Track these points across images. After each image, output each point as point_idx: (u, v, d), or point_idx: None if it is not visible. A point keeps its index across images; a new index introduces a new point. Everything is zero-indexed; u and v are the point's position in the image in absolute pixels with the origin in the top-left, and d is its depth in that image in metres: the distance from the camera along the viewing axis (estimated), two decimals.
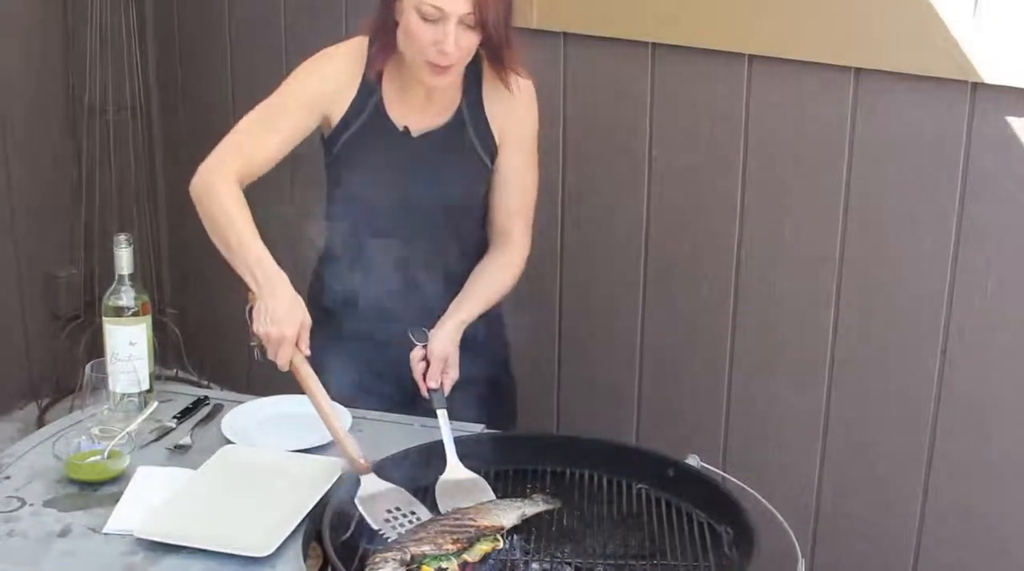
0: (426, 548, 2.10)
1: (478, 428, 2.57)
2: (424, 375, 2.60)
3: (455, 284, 2.74)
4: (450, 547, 2.11)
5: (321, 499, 2.21)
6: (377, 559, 2.07)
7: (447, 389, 2.56)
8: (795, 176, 3.11)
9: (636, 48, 3.30)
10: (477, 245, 2.82)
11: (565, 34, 3.43)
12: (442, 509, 2.27)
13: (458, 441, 2.42)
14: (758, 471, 2.73)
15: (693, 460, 2.32)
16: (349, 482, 2.26)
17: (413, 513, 2.23)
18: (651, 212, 3.39)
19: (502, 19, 2.56)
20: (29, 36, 4.58)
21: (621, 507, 2.29)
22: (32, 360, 4.79)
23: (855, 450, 3.16)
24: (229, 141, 2.66)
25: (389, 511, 2.22)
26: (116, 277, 2.56)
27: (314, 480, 2.28)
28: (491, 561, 2.17)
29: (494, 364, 2.93)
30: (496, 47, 2.62)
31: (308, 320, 2.45)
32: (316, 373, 2.45)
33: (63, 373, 4.61)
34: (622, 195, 3.43)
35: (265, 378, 2.91)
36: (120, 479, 2.32)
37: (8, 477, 2.34)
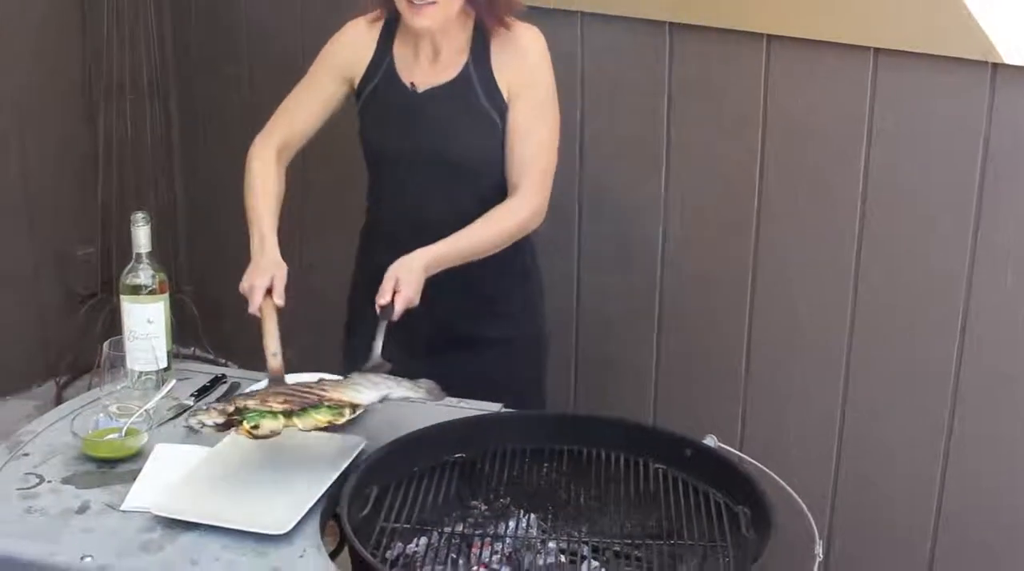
0: (251, 403, 2.16)
1: (496, 407, 2.57)
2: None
3: None
4: (276, 406, 2.16)
5: (339, 477, 2.21)
6: (201, 407, 2.18)
7: (398, 309, 2.56)
8: (814, 157, 3.10)
9: (654, 27, 3.29)
10: (500, 199, 2.82)
11: (582, 13, 3.42)
12: None
13: (474, 420, 2.44)
14: (775, 452, 2.73)
15: (711, 440, 2.32)
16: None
17: None
18: (669, 193, 3.38)
19: None
20: (46, 16, 4.58)
21: (638, 487, 2.29)
22: (50, 338, 4.80)
23: (873, 432, 3.15)
24: (276, 113, 2.91)
25: None
26: (133, 255, 2.57)
27: (332, 458, 2.29)
28: (508, 539, 2.18)
29: (522, 324, 3.00)
30: None
31: (282, 276, 2.59)
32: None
33: (81, 351, 4.62)
34: (640, 176, 3.42)
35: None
36: (138, 457, 2.33)
37: (27, 454, 2.35)
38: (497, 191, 2.81)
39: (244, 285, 2.58)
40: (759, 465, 2.30)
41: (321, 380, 2.32)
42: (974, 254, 2.89)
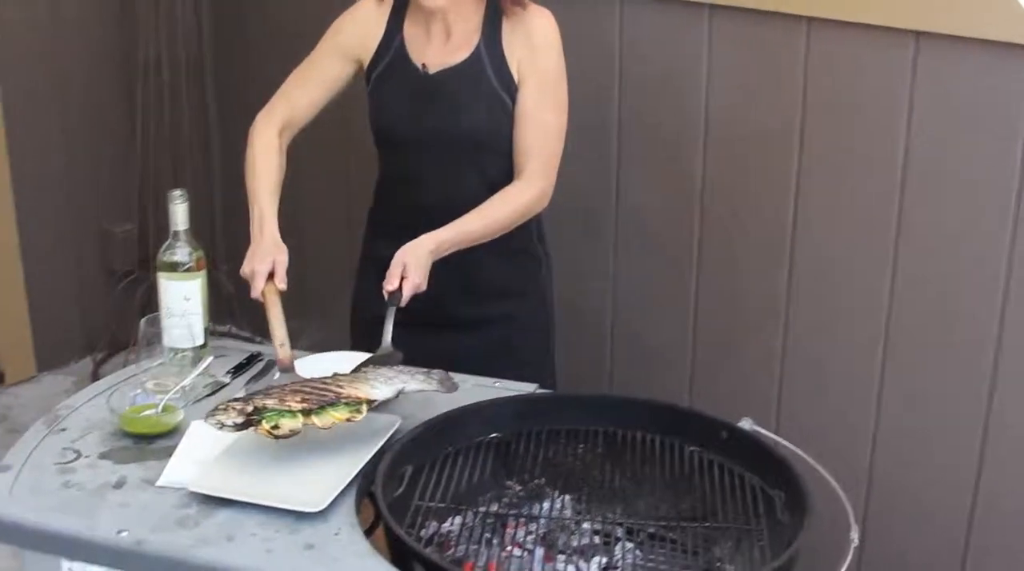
0: (270, 402, 2.16)
1: (531, 387, 2.56)
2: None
3: None
4: (294, 405, 2.16)
5: (374, 456, 2.21)
6: (220, 406, 2.16)
7: (406, 295, 2.56)
8: (854, 139, 3.08)
9: (693, 9, 3.27)
10: (506, 180, 2.82)
11: None
12: None
13: (510, 401, 2.44)
14: (811, 436, 2.72)
15: (746, 423, 2.31)
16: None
17: None
18: (707, 174, 3.37)
19: None
20: None
21: (673, 469, 2.29)
22: (87, 315, 4.82)
23: (910, 416, 3.14)
24: (279, 91, 2.89)
25: None
26: (171, 233, 2.57)
27: (367, 437, 2.29)
28: (542, 520, 2.18)
29: (530, 307, 3.00)
30: None
31: (283, 258, 2.59)
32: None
33: (117, 328, 4.64)
34: (677, 157, 3.41)
35: (318, 335, 2.93)
36: (174, 433, 2.34)
37: (64, 429, 2.37)
38: (505, 174, 2.81)
39: (245, 270, 2.58)
40: (795, 449, 2.30)
41: (335, 375, 2.31)
42: (1014, 238, 2.87)
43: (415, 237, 2.66)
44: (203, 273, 2.59)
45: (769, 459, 2.22)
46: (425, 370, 2.36)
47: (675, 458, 2.31)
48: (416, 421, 2.32)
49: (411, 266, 2.57)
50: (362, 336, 2.90)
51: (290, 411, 2.15)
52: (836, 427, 3.24)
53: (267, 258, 2.57)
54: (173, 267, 2.56)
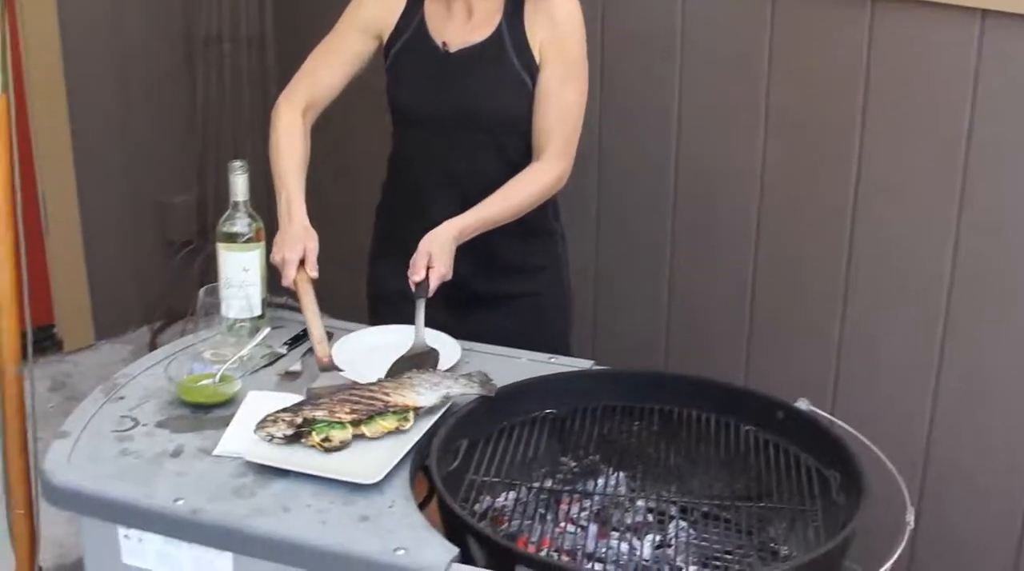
0: (319, 413, 2.15)
1: (587, 364, 2.56)
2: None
3: None
4: (344, 416, 2.16)
5: (429, 430, 2.22)
6: (269, 418, 2.15)
7: (433, 284, 2.56)
8: (916, 119, 3.06)
9: None
10: (524, 159, 2.81)
11: None
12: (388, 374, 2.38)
13: (566, 377, 2.44)
14: (867, 417, 2.70)
15: (803, 404, 2.30)
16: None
17: None
18: (767, 152, 3.35)
19: None
20: None
21: (728, 448, 2.28)
22: (145, 284, 4.86)
23: (967, 398, 3.12)
24: (300, 71, 2.89)
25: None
26: (231, 203, 2.57)
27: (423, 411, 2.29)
28: (596, 497, 2.18)
29: (547, 282, 2.98)
30: None
31: (314, 245, 2.59)
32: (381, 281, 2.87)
33: (175, 298, 4.67)
34: (739, 134, 3.39)
35: (381, 307, 2.93)
36: (231, 403, 2.35)
37: (122, 397, 2.38)
38: (522, 153, 2.80)
39: (275, 258, 2.59)
40: (851, 429, 2.28)
41: (380, 382, 2.31)
42: None
43: (430, 216, 2.67)
44: (262, 244, 2.60)
45: (825, 440, 2.21)
46: (467, 373, 2.36)
47: (730, 437, 2.30)
48: (472, 396, 2.32)
49: (436, 255, 2.58)
50: (381, 313, 2.91)
51: (340, 422, 2.16)
52: (893, 408, 3.22)
53: (297, 245, 2.58)
54: (232, 238, 2.57)
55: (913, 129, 3.07)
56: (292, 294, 2.57)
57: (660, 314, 3.68)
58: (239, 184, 2.56)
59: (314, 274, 2.57)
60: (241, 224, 2.57)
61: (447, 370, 2.46)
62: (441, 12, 2.78)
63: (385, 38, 2.82)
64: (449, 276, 2.59)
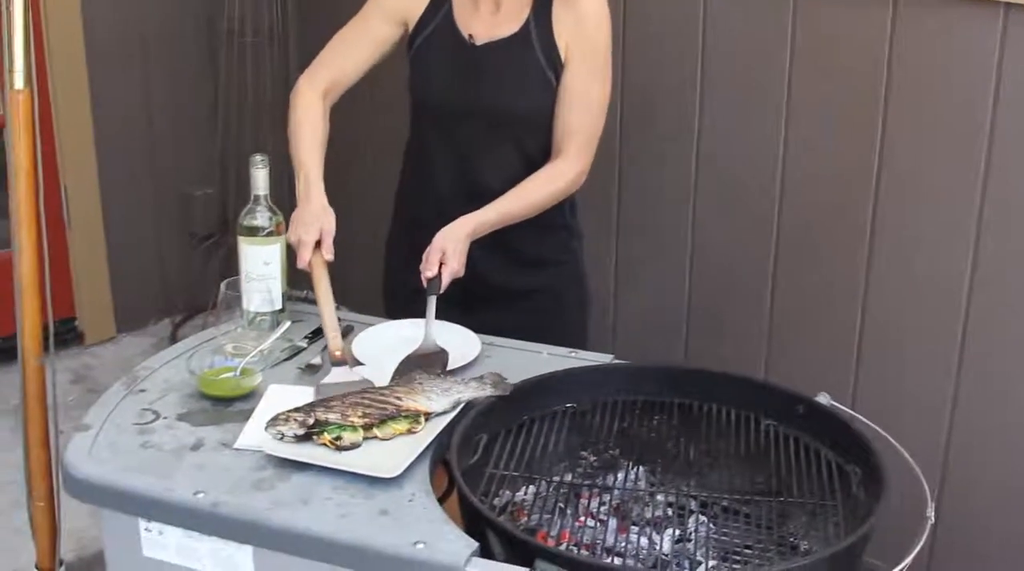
0: (332, 416, 2.15)
1: (607, 358, 2.56)
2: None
3: None
4: (356, 420, 2.15)
5: (450, 422, 2.22)
6: (281, 416, 2.15)
7: (445, 281, 2.57)
8: (939, 113, 3.05)
9: None
10: (543, 155, 2.81)
11: None
12: (396, 374, 2.38)
13: (585, 371, 2.44)
14: (888, 412, 2.69)
15: (823, 398, 2.29)
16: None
17: None
18: (788, 146, 3.34)
19: None
20: None
21: (748, 443, 2.27)
22: (166, 277, 4.88)
23: (988, 394, 3.11)
24: (322, 53, 2.87)
25: None
26: (252, 197, 2.58)
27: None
28: (616, 491, 2.18)
29: (563, 276, 2.98)
30: None
31: (331, 227, 2.59)
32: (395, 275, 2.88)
33: (196, 290, 4.69)
34: (760, 129, 3.39)
35: (396, 301, 2.94)
36: (252, 396, 2.35)
37: (143, 390, 2.39)
38: (541, 149, 2.80)
39: (291, 237, 2.58)
40: (871, 424, 2.28)
41: (392, 386, 2.30)
42: None
43: (445, 209, 2.68)
44: (282, 238, 2.60)
45: (845, 434, 2.20)
46: (479, 376, 2.36)
47: (750, 432, 2.29)
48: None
49: (450, 252, 2.58)
50: (396, 303, 2.91)
51: (352, 426, 2.16)
52: (913, 403, 3.21)
53: (314, 226, 2.57)
54: (253, 231, 2.57)
55: (935, 124, 3.06)
56: (312, 287, 2.57)
57: (680, 308, 3.68)
58: (260, 178, 2.56)
59: (329, 257, 2.57)
60: (262, 218, 2.57)
61: (467, 365, 2.46)
62: (468, 4, 2.77)
63: (411, 26, 2.81)
64: (461, 273, 2.60)
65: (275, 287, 2.58)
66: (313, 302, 2.61)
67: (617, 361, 2.56)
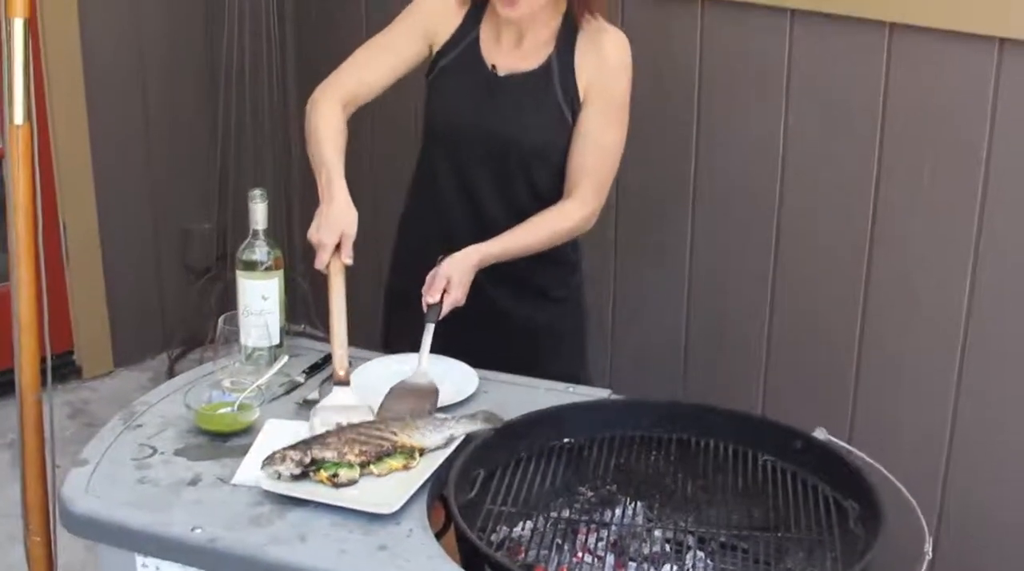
0: (328, 454, 2.15)
1: (604, 393, 2.56)
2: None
3: None
4: (353, 458, 2.16)
5: (447, 458, 2.22)
6: (277, 455, 2.14)
7: (444, 310, 2.58)
8: (933, 144, 3.06)
9: (775, 14, 3.25)
10: (551, 193, 2.82)
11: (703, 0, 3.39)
12: (383, 406, 2.40)
13: (583, 406, 2.44)
14: (885, 446, 2.70)
15: (820, 433, 2.29)
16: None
17: None
18: (784, 180, 3.35)
19: None
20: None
21: (746, 478, 2.27)
22: (165, 311, 4.88)
23: (986, 429, 3.11)
24: (344, 64, 2.84)
25: (339, 425, 2.28)
26: (250, 232, 2.58)
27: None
28: (613, 527, 2.18)
29: (565, 313, 3.00)
30: None
31: (351, 231, 2.54)
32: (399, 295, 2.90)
33: (194, 325, 4.68)
34: (755, 158, 3.39)
35: (393, 335, 2.94)
36: (249, 431, 2.36)
37: (140, 425, 2.39)
38: (550, 185, 2.82)
39: (312, 237, 2.55)
40: (868, 459, 2.28)
41: (386, 421, 2.30)
42: None
43: (451, 237, 2.69)
44: (281, 272, 2.60)
45: (843, 470, 2.20)
46: (471, 414, 2.36)
47: (748, 467, 2.29)
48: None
49: (455, 282, 2.60)
50: (397, 332, 2.92)
51: (349, 463, 2.16)
52: (910, 438, 3.21)
53: (335, 229, 2.53)
54: (252, 266, 2.57)
55: (931, 155, 3.07)
56: (310, 322, 2.57)
57: (677, 342, 3.68)
58: (258, 212, 2.57)
59: (348, 262, 2.53)
60: (260, 252, 2.57)
61: (464, 400, 2.46)
62: (492, 35, 2.79)
63: (435, 49, 2.82)
64: (462, 303, 2.61)
65: (273, 322, 2.58)
66: (311, 336, 2.61)
67: (614, 396, 2.56)
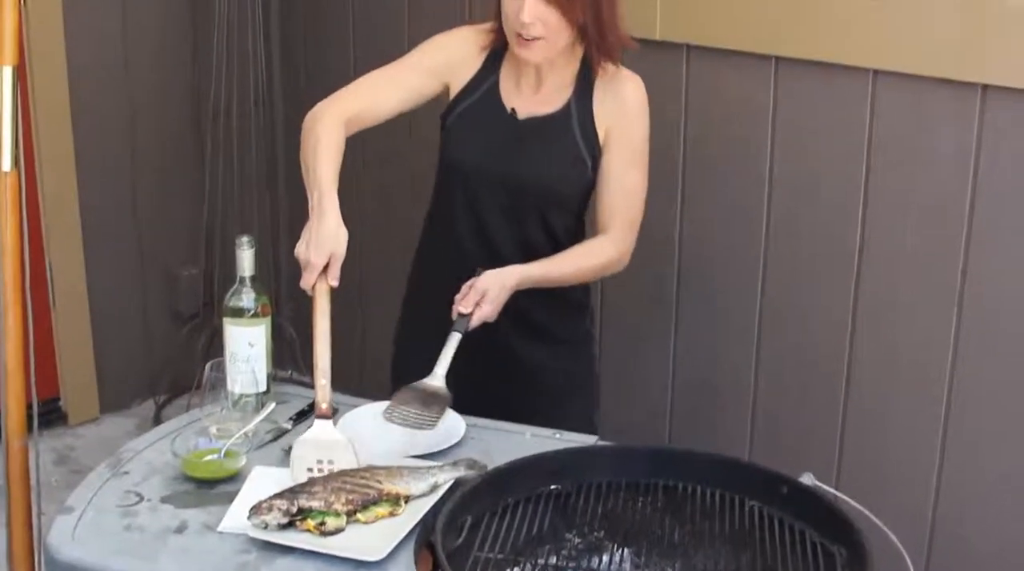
0: (315, 504, 2.15)
1: (591, 439, 2.56)
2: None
3: None
4: (340, 507, 2.15)
5: (434, 505, 2.21)
6: (264, 504, 2.14)
7: (474, 323, 2.59)
8: (918, 191, 3.08)
9: (758, 61, 3.28)
10: (566, 235, 2.84)
11: (688, 46, 3.41)
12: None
13: (569, 453, 2.44)
14: (873, 491, 2.70)
15: (807, 478, 2.29)
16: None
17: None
18: (771, 223, 3.36)
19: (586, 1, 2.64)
20: (158, 38, 4.66)
21: (733, 523, 2.27)
22: (151, 357, 4.87)
23: (973, 473, 3.11)
24: (351, 85, 2.83)
25: (319, 461, 2.29)
26: (237, 278, 2.58)
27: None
28: None
29: (578, 357, 3.00)
30: (584, 29, 2.69)
31: (341, 251, 2.48)
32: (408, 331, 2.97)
33: (181, 371, 4.68)
34: (741, 205, 3.41)
35: (380, 382, 2.94)
36: (236, 478, 2.35)
37: (127, 472, 2.38)
38: (566, 230, 2.84)
39: (300, 255, 2.49)
40: (856, 505, 2.28)
41: (370, 468, 2.29)
42: None
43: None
44: (268, 319, 2.60)
45: (830, 515, 2.20)
46: (454, 462, 2.36)
47: (735, 513, 2.29)
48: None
49: (489, 297, 2.60)
50: (404, 373, 2.91)
51: (335, 512, 2.16)
52: (898, 482, 3.21)
53: (324, 249, 2.47)
54: (239, 313, 2.57)
55: (916, 201, 3.09)
56: (297, 369, 2.57)
57: (664, 388, 3.68)
58: (245, 260, 2.57)
59: (334, 284, 2.48)
60: (247, 299, 2.57)
61: (451, 446, 2.46)
62: (511, 79, 2.81)
63: (453, 92, 2.83)
64: (492, 319, 2.62)
65: (260, 368, 2.58)
66: (298, 383, 2.61)
67: (601, 443, 2.56)
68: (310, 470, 2.30)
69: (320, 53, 4.64)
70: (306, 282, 2.48)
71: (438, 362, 2.55)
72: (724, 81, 3.39)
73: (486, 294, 2.60)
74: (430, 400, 2.48)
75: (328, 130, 2.67)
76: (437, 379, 2.54)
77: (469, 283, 2.64)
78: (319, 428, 2.38)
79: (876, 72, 3.08)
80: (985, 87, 2.91)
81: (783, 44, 3.22)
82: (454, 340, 2.57)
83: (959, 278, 3.03)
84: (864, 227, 3.18)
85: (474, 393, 2.64)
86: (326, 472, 2.28)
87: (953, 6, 2.91)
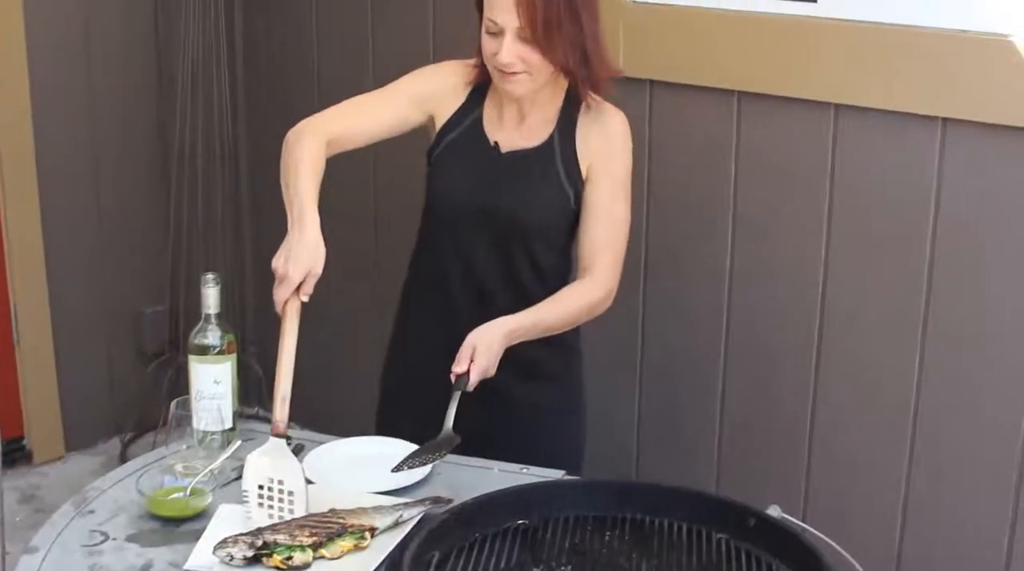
0: (280, 538, 2.16)
1: (558, 474, 2.56)
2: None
3: (525, 301, 2.77)
4: (305, 540, 2.15)
5: (401, 540, 2.21)
6: (230, 538, 2.15)
7: (474, 379, 2.58)
8: (881, 226, 3.09)
9: (721, 96, 3.30)
10: (552, 269, 2.84)
11: (651, 81, 3.43)
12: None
13: (537, 487, 2.43)
14: (840, 524, 2.70)
15: (774, 511, 2.29)
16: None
17: (290, 494, 2.28)
18: (735, 259, 3.38)
19: (564, 37, 2.64)
20: (124, 80, 4.66)
21: (701, 556, 2.27)
22: (116, 395, 4.84)
23: (939, 504, 3.12)
24: (336, 106, 2.85)
25: (271, 479, 2.29)
26: (203, 316, 2.58)
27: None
28: None
29: (566, 396, 2.99)
30: (564, 66, 2.69)
31: (318, 269, 2.46)
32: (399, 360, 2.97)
33: (146, 409, 4.66)
34: (705, 242, 3.42)
35: (347, 418, 2.93)
36: (202, 516, 2.34)
37: (92, 511, 2.37)
38: (551, 262, 2.84)
39: (278, 268, 2.45)
40: (823, 536, 2.28)
41: (332, 510, 2.29)
42: None
43: (452, 309, 2.72)
44: (233, 356, 2.60)
45: (797, 547, 2.20)
46: (420, 499, 2.36)
47: (703, 546, 2.29)
48: (442, 507, 2.31)
49: (480, 351, 2.59)
50: (389, 420, 2.91)
51: (301, 546, 2.16)
52: (864, 514, 3.22)
53: (302, 264, 2.43)
54: (204, 350, 2.57)
55: (878, 233, 3.10)
56: (263, 405, 2.56)
57: (631, 421, 3.68)
58: (211, 297, 2.57)
59: (305, 299, 2.45)
60: (213, 337, 2.57)
61: (417, 482, 2.46)
62: (495, 113, 2.82)
63: (438, 125, 2.83)
64: (491, 373, 2.61)
65: (226, 406, 2.57)
66: (264, 420, 2.60)
67: (568, 477, 2.56)
68: (261, 487, 2.29)
69: (284, 94, 4.64)
70: (280, 297, 2.44)
71: (445, 421, 2.55)
72: (687, 115, 3.41)
73: (476, 349, 2.60)
74: (442, 444, 2.50)
75: (311, 149, 2.67)
76: (446, 431, 2.54)
77: (462, 346, 2.62)
78: (272, 445, 2.36)
79: (838, 106, 3.10)
80: (945, 120, 2.93)
81: (745, 79, 3.25)
82: (455, 397, 2.57)
83: (923, 309, 3.05)
84: (828, 259, 3.19)
85: (461, 425, 2.63)
86: (275, 492, 2.28)
87: (913, 41, 2.93)
